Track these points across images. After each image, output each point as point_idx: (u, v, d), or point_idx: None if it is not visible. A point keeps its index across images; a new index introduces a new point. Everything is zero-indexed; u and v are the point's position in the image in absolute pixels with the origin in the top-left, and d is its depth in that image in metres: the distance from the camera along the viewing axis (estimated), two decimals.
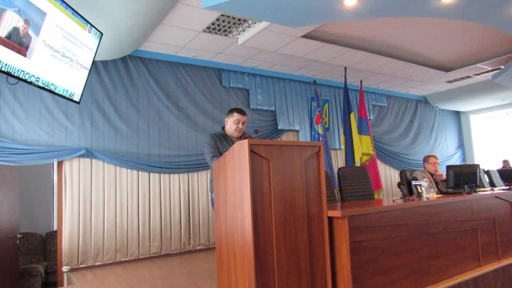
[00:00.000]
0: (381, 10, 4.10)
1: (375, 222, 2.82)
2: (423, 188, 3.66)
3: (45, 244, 5.82)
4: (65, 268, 4.60)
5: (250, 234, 2.31)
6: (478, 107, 9.94)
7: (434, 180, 4.99)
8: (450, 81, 8.06)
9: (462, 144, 10.34)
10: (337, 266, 2.64)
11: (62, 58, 3.55)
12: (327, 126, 7.33)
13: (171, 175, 5.53)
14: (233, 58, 5.92)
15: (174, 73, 5.77)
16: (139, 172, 5.27)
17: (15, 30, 2.90)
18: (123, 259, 4.99)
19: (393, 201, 3.34)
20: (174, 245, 5.40)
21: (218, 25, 4.74)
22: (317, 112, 6.96)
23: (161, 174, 5.44)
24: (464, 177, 4.19)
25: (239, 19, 4.63)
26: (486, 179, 6.58)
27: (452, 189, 4.20)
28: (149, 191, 5.32)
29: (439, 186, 4.73)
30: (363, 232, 2.72)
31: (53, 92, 3.58)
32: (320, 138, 6.83)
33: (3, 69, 2.88)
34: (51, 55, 3.39)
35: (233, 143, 3.41)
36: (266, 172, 2.45)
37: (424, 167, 5.22)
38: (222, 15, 4.46)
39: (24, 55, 3.06)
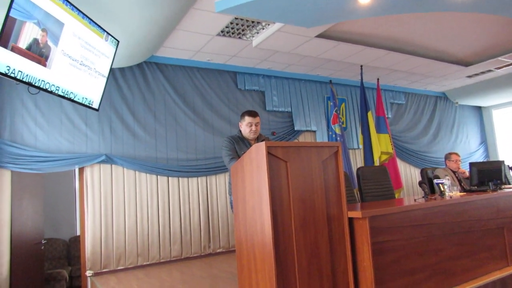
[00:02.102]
0: (395, 7, 4.03)
1: (397, 222, 2.77)
2: (445, 186, 3.57)
3: (69, 249, 5.94)
4: (88, 273, 4.67)
5: (269, 236, 2.30)
6: (501, 101, 9.63)
7: (456, 177, 4.87)
8: (470, 76, 7.85)
9: (485, 140, 10.05)
10: (359, 267, 2.60)
11: (81, 66, 3.63)
12: (344, 125, 7.25)
13: (189, 179, 5.56)
14: (247, 60, 5.93)
15: (190, 78, 5.81)
16: (158, 176, 5.33)
17: (35, 41, 2.98)
18: (144, 263, 5.04)
19: (415, 200, 3.27)
20: (195, 249, 5.43)
21: (232, 28, 4.76)
22: (334, 112, 6.89)
23: (180, 178, 5.49)
24: (488, 174, 4.07)
25: (252, 22, 4.63)
26: (511, 175, 6.38)
27: (476, 187, 4.09)
28: (168, 195, 5.37)
29: (462, 184, 4.61)
30: (385, 232, 2.67)
31: (73, 100, 3.66)
32: (338, 138, 6.76)
33: (24, 79, 2.96)
34: (70, 64, 3.47)
35: (250, 145, 3.41)
36: (284, 174, 2.44)
37: (446, 164, 5.10)
38: (235, 18, 4.47)
39: (44, 65, 3.14)
